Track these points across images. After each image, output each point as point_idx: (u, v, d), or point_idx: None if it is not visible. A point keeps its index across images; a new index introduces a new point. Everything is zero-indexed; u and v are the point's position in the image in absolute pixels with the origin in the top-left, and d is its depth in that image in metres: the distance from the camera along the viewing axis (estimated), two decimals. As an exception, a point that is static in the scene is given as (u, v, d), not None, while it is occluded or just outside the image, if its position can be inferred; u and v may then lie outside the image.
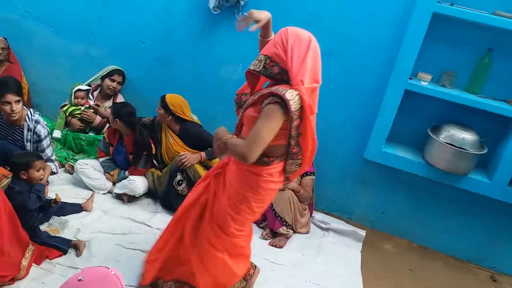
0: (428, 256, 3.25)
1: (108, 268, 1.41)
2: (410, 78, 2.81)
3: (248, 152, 1.71)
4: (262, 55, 1.81)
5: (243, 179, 1.95)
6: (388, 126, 2.91)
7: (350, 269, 2.89)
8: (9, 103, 2.72)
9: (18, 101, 2.77)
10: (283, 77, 1.77)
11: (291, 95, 1.67)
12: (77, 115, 3.51)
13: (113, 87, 3.54)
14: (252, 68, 1.82)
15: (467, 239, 3.22)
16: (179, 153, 3.13)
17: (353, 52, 3.03)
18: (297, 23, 3.14)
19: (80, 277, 1.30)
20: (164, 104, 3.10)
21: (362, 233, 3.24)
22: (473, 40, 2.77)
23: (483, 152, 2.77)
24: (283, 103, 1.68)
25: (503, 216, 3.05)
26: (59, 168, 3.33)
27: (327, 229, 3.27)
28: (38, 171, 2.49)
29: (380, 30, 2.92)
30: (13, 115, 2.76)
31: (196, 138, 3.15)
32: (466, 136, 2.74)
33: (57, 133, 3.43)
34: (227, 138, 1.84)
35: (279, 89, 1.70)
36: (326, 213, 3.47)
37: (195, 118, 3.30)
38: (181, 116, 3.13)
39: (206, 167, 3.21)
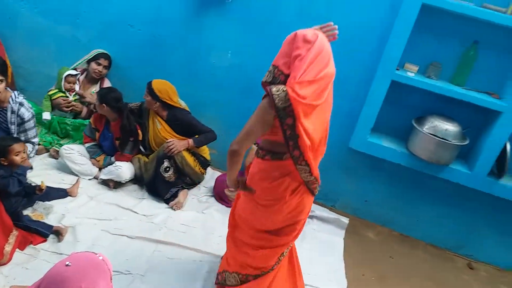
0: (408, 244, 3.34)
1: (96, 254, 1.41)
2: (397, 69, 2.84)
3: (234, 143, 1.74)
4: (271, 66, 1.81)
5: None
6: (373, 116, 2.94)
7: (333, 256, 2.95)
8: None
9: (1, 80, 2.71)
10: (284, 79, 1.76)
11: (276, 90, 1.66)
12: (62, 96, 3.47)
13: (99, 71, 3.49)
14: (264, 79, 1.81)
15: (446, 228, 3.31)
16: (167, 139, 3.13)
17: (341, 42, 3.00)
18: (288, 11, 3.15)
19: (67, 263, 1.29)
20: (150, 91, 3.07)
21: (345, 220, 3.31)
22: (460, 32, 2.79)
23: (464, 143, 2.82)
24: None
25: (481, 205, 3.14)
26: (44, 152, 3.31)
27: (311, 217, 3.31)
28: (17, 155, 2.43)
29: (369, 20, 2.92)
30: None
31: (184, 124, 3.15)
32: (449, 127, 2.79)
33: (46, 115, 3.37)
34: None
35: (270, 86, 1.70)
36: (311, 201, 3.52)
37: (183, 104, 3.28)
38: (168, 102, 3.11)
39: (194, 154, 3.21)
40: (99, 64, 3.48)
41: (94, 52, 3.51)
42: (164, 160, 3.05)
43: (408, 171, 3.09)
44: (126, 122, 3.07)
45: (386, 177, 3.27)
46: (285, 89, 1.65)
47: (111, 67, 3.58)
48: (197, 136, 3.16)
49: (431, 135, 2.80)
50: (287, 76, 1.73)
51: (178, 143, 3.06)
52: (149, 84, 3.09)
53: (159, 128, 3.18)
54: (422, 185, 3.21)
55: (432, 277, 3.01)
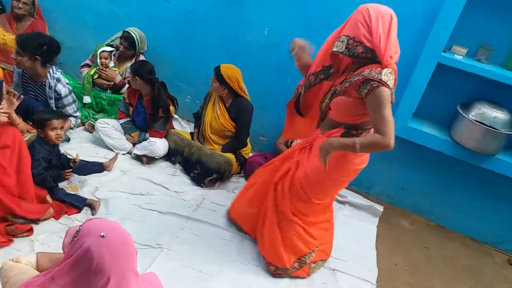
0: (444, 235, 3.20)
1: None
2: (444, 51, 2.67)
3: (390, 139, 1.77)
4: (343, 36, 1.84)
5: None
6: (416, 100, 2.79)
7: (365, 243, 2.87)
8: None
9: (19, 53, 2.71)
10: (368, 55, 1.80)
11: (386, 77, 1.76)
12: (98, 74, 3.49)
13: (121, 50, 3.50)
14: (335, 49, 1.86)
15: (487, 221, 3.14)
16: (225, 127, 3.11)
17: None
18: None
19: (102, 234, 1.23)
20: (219, 77, 2.98)
21: (380, 208, 3.20)
22: (515, 13, 2.59)
23: (514, 133, 2.65)
24: (383, 84, 1.75)
25: (527, 200, 2.96)
26: (80, 126, 3.37)
27: (343, 202, 3.23)
28: (52, 130, 2.44)
29: (415, -3, 2.75)
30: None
31: (237, 120, 3.11)
32: (498, 115, 2.62)
33: (87, 99, 3.43)
34: (357, 141, 1.84)
35: (372, 73, 1.76)
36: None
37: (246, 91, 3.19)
38: (237, 90, 3.03)
39: (237, 156, 3.18)
40: (121, 44, 3.47)
41: (122, 31, 3.50)
42: (214, 174, 3.01)
43: (450, 160, 2.93)
44: (157, 93, 3.04)
45: (426, 165, 3.13)
46: (391, 72, 1.79)
47: (138, 47, 3.50)
48: (227, 141, 3.18)
49: (477, 123, 2.64)
50: (367, 48, 1.78)
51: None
52: (218, 69, 2.99)
53: (219, 114, 3.13)
54: (464, 175, 3.04)
55: (468, 271, 2.88)
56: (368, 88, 1.77)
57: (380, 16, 1.77)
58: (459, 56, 2.69)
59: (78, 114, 3.09)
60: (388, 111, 1.77)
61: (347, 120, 2.00)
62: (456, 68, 2.65)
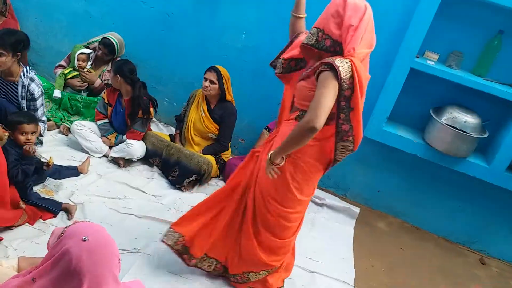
0: (419, 236, 3.28)
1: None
2: (417, 57, 2.75)
3: (313, 119, 1.64)
4: (314, 28, 1.77)
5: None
6: (390, 104, 2.86)
7: (342, 245, 2.91)
8: None
9: (1, 54, 2.62)
10: (336, 49, 1.72)
11: (340, 62, 1.64)
12: (77, 76, 3.42)
13: (98, 55, 3.46)
14: (305, 41, 1.78)
15: (459, 222, 3.24)
16: (209, 129, 3.10)
17: (360, 26, 2.94)
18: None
19: (84, 237, 1.22)
20: (220, 77, 3.01)
21: (356, 210, 3.26)
22: (484, 21, 2.70)
23: (484, 136, 2.75)
24: (334, 71, 1.65)
25: (497, 201, 3.07)
26: (54, 128, 3.30)
27: (321, 205, 3.27)
28: (22, 134, 2.34)
29: (389, 4, 2.82)
30: None
31: (224, 125, 3.12)
32: (469, 119, 2.72)
33: (57, 93, 3.33)
34: (273, 152, 1.81)
35: (329, 58, 1.68)
36: (322, 189, 3.47)
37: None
38: (227, 92, 3.08)
39: (217, 159, 3.18)
40: (100, 49, 3.43)
41: (103, 35, 3.45)
42: (194, 175, 2.98)
43: (424, 163, 3.02)
44: (138, 93, 3.01)
45: (401, 168, 3.21)
46: (348, 61, 1.65)
47: (117, 53, 3.46)
48: (209, 143, 3.20)
49: (449, 126, 2.72)
50: (335, 41, 1.72)
51: None
52: (218, 69, 3.02)
53: (203, 115, 3.14)
54: (437, 177, 3.13)
55: (443, 271, 2.96)
56: (319, 70, 1.70)
57: (354, 9, 1.68)
58: (431, 61, 2.78)
59: (44, 118, 3.02)
60: (324, 95, 1.65)
61: (303, 106, 1.84)
62: (428, 74, 2.74)
